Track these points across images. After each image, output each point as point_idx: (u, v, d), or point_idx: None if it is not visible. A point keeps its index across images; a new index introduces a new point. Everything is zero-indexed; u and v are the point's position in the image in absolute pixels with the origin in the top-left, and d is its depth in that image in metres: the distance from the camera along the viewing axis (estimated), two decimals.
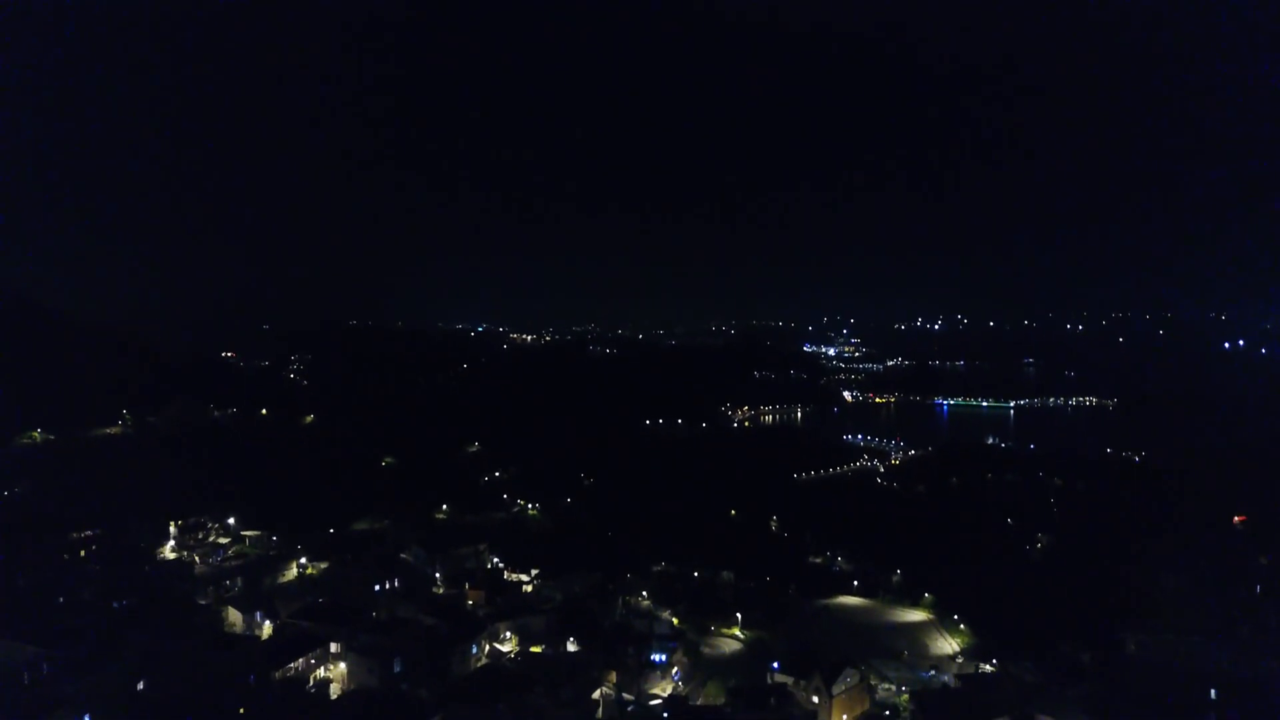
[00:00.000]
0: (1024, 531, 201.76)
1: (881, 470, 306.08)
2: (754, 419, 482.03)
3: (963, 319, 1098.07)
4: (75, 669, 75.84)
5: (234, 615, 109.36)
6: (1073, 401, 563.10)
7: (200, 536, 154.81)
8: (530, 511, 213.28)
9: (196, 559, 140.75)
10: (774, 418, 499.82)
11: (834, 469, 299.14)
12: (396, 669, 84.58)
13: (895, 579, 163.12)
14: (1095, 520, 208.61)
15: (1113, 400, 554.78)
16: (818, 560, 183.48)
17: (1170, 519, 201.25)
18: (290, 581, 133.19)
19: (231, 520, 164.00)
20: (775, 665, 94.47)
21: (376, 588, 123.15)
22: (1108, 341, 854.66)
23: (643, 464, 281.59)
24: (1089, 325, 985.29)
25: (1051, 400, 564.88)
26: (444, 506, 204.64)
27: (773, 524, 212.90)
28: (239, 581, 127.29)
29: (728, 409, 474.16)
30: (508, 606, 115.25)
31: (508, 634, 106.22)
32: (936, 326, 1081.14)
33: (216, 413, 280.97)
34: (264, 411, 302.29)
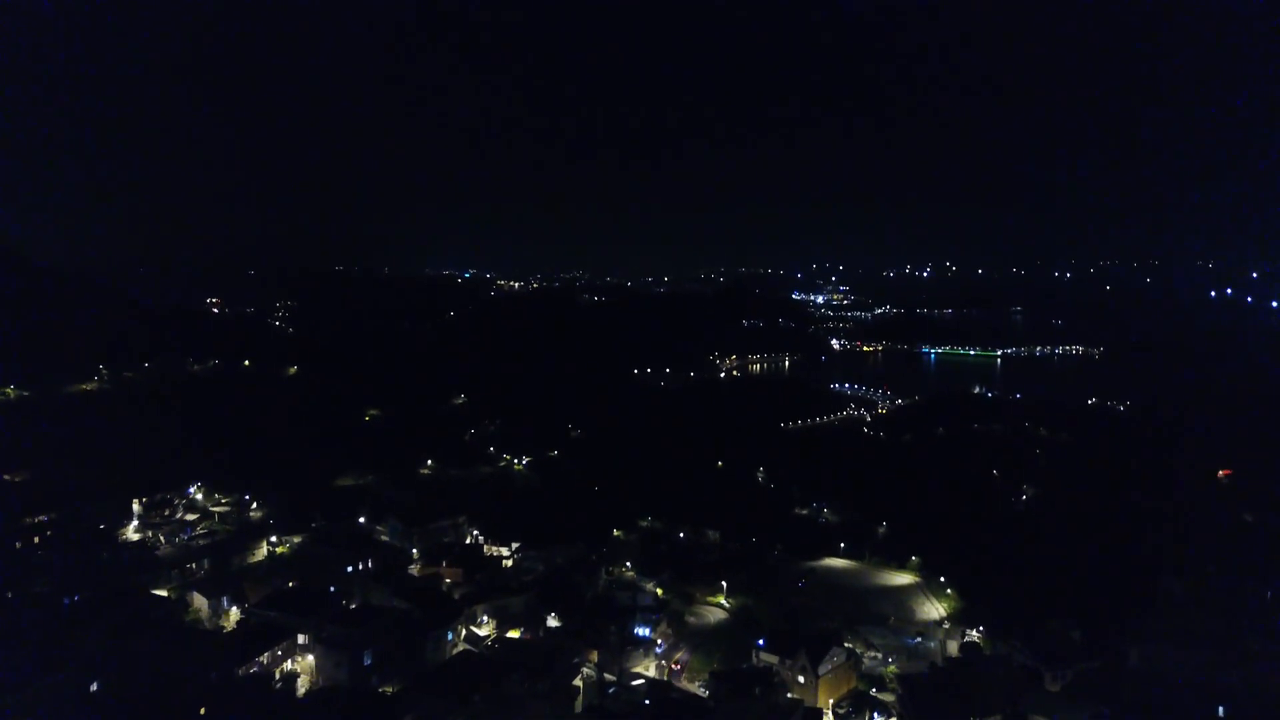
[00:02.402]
0: (1009, 484, 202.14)
1: (868, 420, 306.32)
2: (742, 368, 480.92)
3: (951, 266, 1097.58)
4: (22, 672, 70.51)
5: (199, 601, 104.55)
6: (1059, 350, 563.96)
7: (166, 514, 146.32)
8: (516, 466, 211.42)
9: (161, 539, 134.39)
10: (762, 366, 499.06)
11: (821, 418, 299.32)
12: (367, 661, 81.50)
13: (881, 531, 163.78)
14: (1079, 473, 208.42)
15: (1099, 349, 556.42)
16: (804, 512, 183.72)
17: (1155, 473, 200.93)
18: (260, 562, 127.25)
19: (200, 495, 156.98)
20: (760, 643, 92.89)
21: (349, 569, 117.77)
22: (1095, 289, 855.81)
23: (630, 415, 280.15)
24: (1077, 273, 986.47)
25: (1038, 349, 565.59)
26: (429, 462, 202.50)
27: (759, 475, 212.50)
28: (205, 564, 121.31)
29: (716, 358, 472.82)
30: (486, 584, 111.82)
31: (485, 617, 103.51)
32: (925, 274, 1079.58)
33: (196, 366, 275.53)
34: (246, 363, 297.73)
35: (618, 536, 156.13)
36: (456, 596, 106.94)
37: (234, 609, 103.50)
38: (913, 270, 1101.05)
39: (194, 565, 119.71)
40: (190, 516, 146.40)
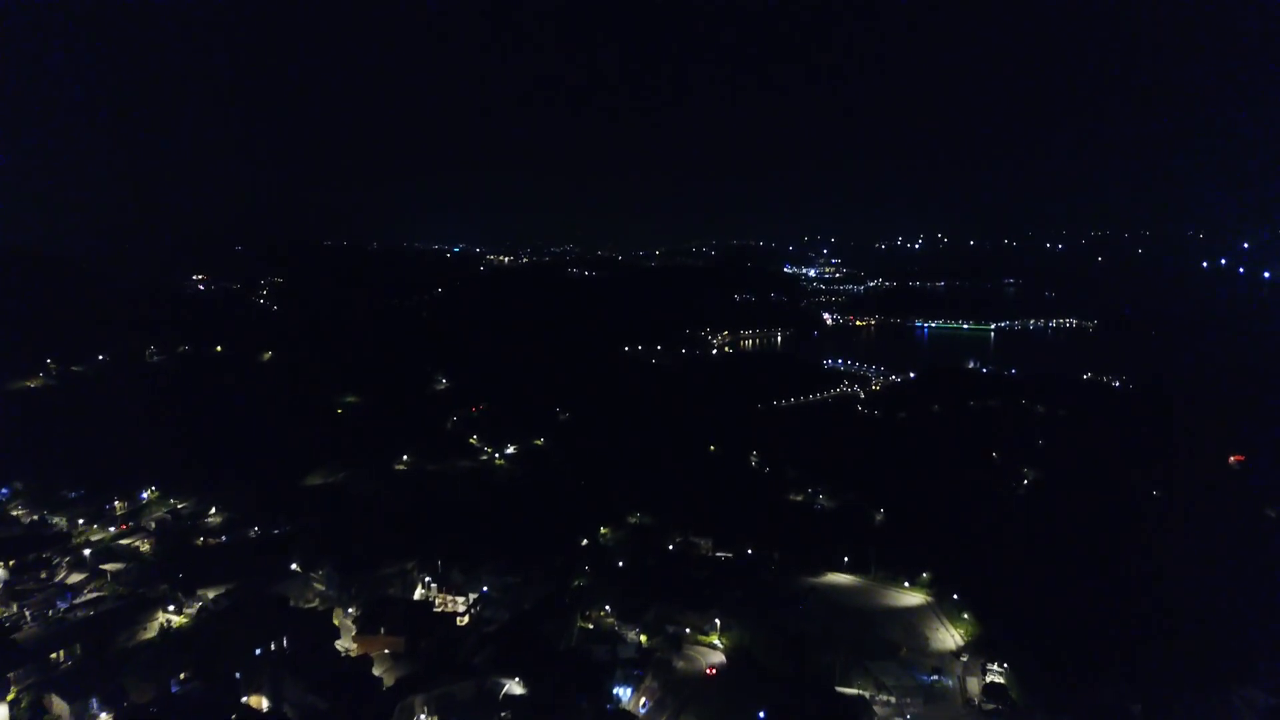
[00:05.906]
0: (1010, 468, 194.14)
1: (862, 397, 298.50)
2: (734, 344, 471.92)
3: (943, 238, 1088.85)
4: None
5: (59, 707, 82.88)
6: (1053, 323, 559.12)
7: (43, 577, 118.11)
8: (497, 460, 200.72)
9: (28, 615, 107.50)
10: (754, 342, 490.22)
11: (814, 396, 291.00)
12: None
13: (879, 518, 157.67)
14: (1082, 459, 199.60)
15: (1093, 322, 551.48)
16: (799, 498, 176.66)
17: (1161, 460, 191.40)
18: (150, 640, 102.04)
19: (87, 552, 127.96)
20: (761, 716, 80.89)
21: (259, 650, 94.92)
22: (1088, 260, 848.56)
23: (620, 397, 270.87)
24: (1069, 243, 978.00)
25: (1032, 322, 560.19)
26: (404, 456, 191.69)
27: (752, 459, 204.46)
28: (78, 648, 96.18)
29: (708, 334, 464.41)
30: (432, 658, 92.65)
31: (424, 713, 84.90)
32: (917, 246, 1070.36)
33: (158, 356, 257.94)
34: (219, 349, 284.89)
35: (605, 535, 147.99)
36: (391, 682, 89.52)
37: (104, 716, 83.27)
38: (905, 242, 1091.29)
39: (61, 653, 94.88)
40: (75, 578, 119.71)
